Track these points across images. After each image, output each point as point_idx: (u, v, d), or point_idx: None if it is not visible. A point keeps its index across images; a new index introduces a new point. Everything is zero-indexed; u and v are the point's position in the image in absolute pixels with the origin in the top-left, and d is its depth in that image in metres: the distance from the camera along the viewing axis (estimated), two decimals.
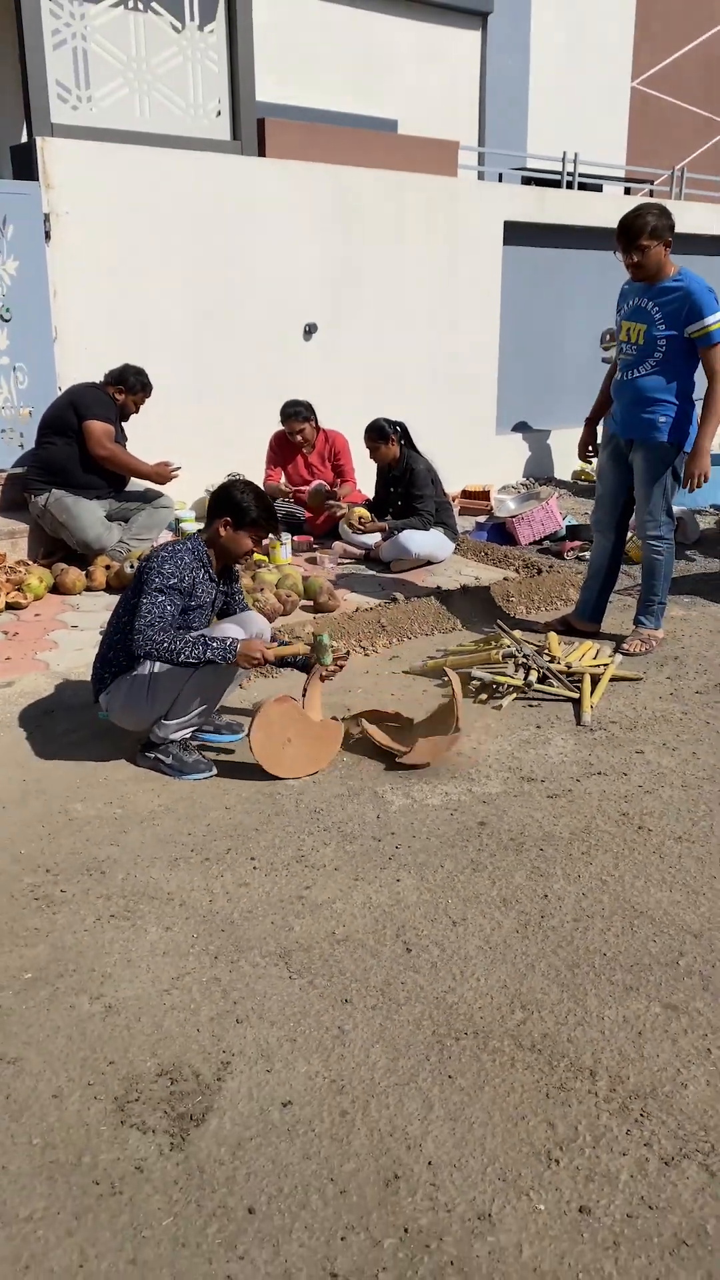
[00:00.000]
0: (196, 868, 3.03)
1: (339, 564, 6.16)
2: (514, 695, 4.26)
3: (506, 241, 8.44)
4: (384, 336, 7.81)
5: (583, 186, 10.10)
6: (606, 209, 9.09)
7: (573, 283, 9.17)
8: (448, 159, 8.22)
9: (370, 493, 6.71)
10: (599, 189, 11.46)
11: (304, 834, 3.22)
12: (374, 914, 2.79)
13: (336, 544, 6.42)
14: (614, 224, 8.61)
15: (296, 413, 6.54)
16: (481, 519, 7.30)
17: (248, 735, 3.54)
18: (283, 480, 6.69)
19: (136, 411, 6.00)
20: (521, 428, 9.20)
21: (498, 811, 3.35)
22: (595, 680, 4.34)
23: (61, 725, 4.04)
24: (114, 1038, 2.32)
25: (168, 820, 3.32)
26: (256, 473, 7.03)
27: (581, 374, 9.42)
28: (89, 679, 4.31)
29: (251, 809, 3.39)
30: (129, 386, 5.88)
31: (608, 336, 9.59)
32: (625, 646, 4.85)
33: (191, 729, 3.69)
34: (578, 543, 6.66)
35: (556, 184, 9.50)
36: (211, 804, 3.43)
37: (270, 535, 3.84)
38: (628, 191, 11.31)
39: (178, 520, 6.47)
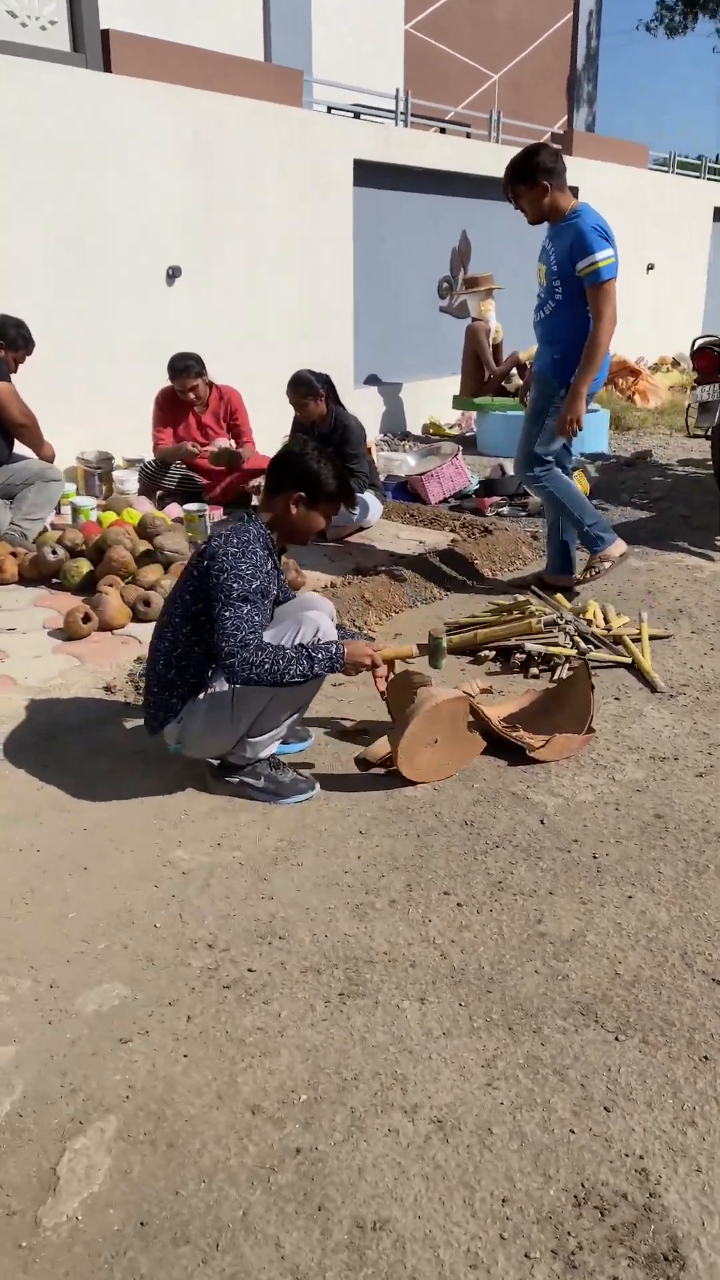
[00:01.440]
0: (389, 914, 2.49)
1: None
2: (567, 666, 3.92)
3: (356, 182, 7.96)
4: (252, 281, 7.15)
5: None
6: (440, 151, 8.80)
7: (412, 229, 8.83)
8: (294, 89, 7.60)
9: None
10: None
11: (477, 854, 2.74)
12: (639, 941, 2.38)
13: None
14: (450, 166, 8.35)
15: (188, 367, 5.81)
16: (380, 478, 6.86)
17: (392, 733, 3.00)
18: (192, 444, 5.92)
19: (15, 371, 5.08)
20: (374, 381, 8.81)
21: (661, 800, 3.02)
22: (633, 643, 4.08)
23: (76, 751, 3.29)
24: (479, 1165, 1.80)
25: (306, 857, 2.73)
26: (131, 435, 6.24)
27: (424, 325, 9.15)
28: (62, 693, 3.58)
29: (391, 830, 2.86)
30: (9, 341, 4.96)
31: (444, 285, 9.36)
32: (587, 575, 4.69)
33: (276, 743, 3.08)
34: (496, 497, 6.38)
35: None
36: (340, 831, 2.86)
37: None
38: (469, 136, 11.02)
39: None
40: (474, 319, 8.34)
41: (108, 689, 3.75)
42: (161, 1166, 1.80)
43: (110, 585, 4.40)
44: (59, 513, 5.66)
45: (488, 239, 9.59)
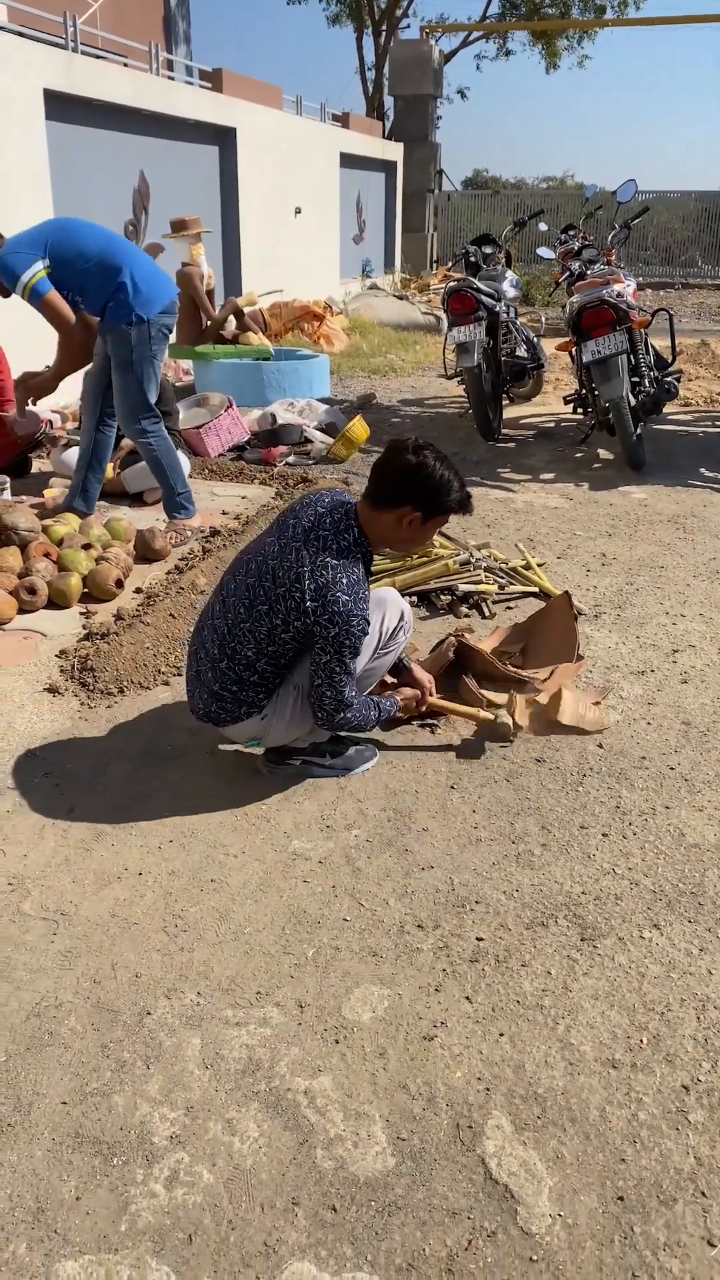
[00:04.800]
0: (551, 857, 2.52)
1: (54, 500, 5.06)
2: (491, 601, 4.08)
3: (48, 115, 7.31)
4: None
5: None
6: (124, 85, 8.30)
7: (99, 168, 8.28)
8: None
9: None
10: None
11: (573, 787, 2.84)
12: None
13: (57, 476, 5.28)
14: (127, 101, 7.94)
15: None
16: None
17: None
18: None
19: None
20: None
21: (674, 709, 3.28)
22: (525, 571, 4.33)
23: (81, 767, 2.94)
24: None
25: (425, 820, 2.67)
26: None
27: None
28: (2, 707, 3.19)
29: (476, 779, 2.87)
30: None
31: (130, 228, 8.93)
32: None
33: None
34: (282, 448, 6.31)
35: None
36: (430, 789, 2.82)
37: None
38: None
39: None
40: (185, 264, 8.04)
41: (52, 690, 3.33)
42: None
43: None
44: None
45: (163, 181, 9.24)
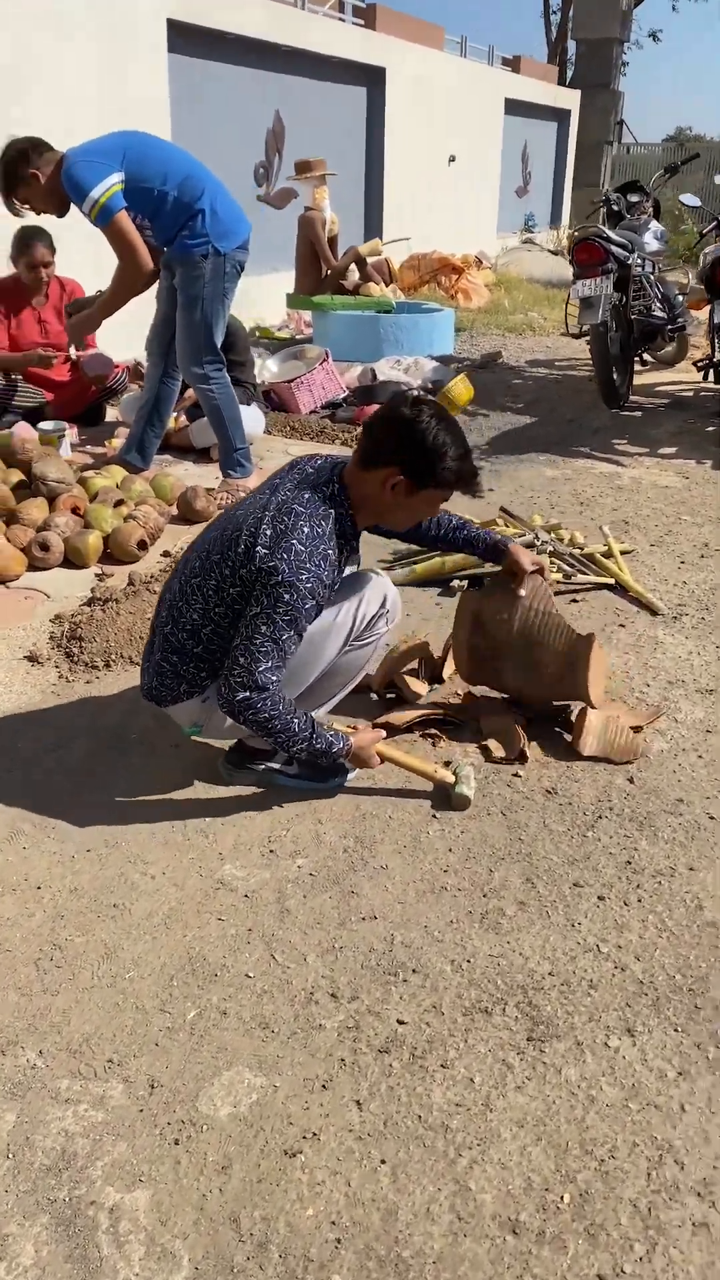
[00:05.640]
0: (526, 921, 2.04)
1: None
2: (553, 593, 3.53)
3: (171, 47, 6.99)
4: None
5: None
6: (259, 17, 7.90)
7: (229, 105, 7.94)
8: None
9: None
10: None
11: (583, 830, 2.33)
12: None
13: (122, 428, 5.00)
14: (265, 35, 7.54)
15: (39, 236, 4.79)
16: None
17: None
18: (45, 349, 4.96)
19: None
20: None
21: None
22: (606, 560, 3.75)
23: (27, 747, 2.63)
24: None
25: (387, 857, 2.23)
26: None
27: (249, 214, 8.31)
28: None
29: (467, 809, 2.40)
30: None
31: (261, 170, 8.56)
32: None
33: None
34: (376, 406, 5.84)
35: None
36: (409, 816, 2.37)
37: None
38: None
39: None
40: (308, 208, 7.64)
41: (32, 659, 3.03)
42: None
43: None
44: None
45: (301, 122, 8.82)
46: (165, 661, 2.31)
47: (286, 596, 2.10)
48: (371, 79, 9.85)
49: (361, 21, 10.11)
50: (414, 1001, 1.84)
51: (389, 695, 2.83)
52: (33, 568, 3.55)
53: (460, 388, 5.73)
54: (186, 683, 2.32)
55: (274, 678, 2.13)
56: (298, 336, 8.29)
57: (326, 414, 5.93)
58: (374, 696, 2.84)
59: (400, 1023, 1.79)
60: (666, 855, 2.24)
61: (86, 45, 6.19)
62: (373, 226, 10.26)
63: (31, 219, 4.16)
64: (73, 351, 5.04)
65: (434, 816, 2.37)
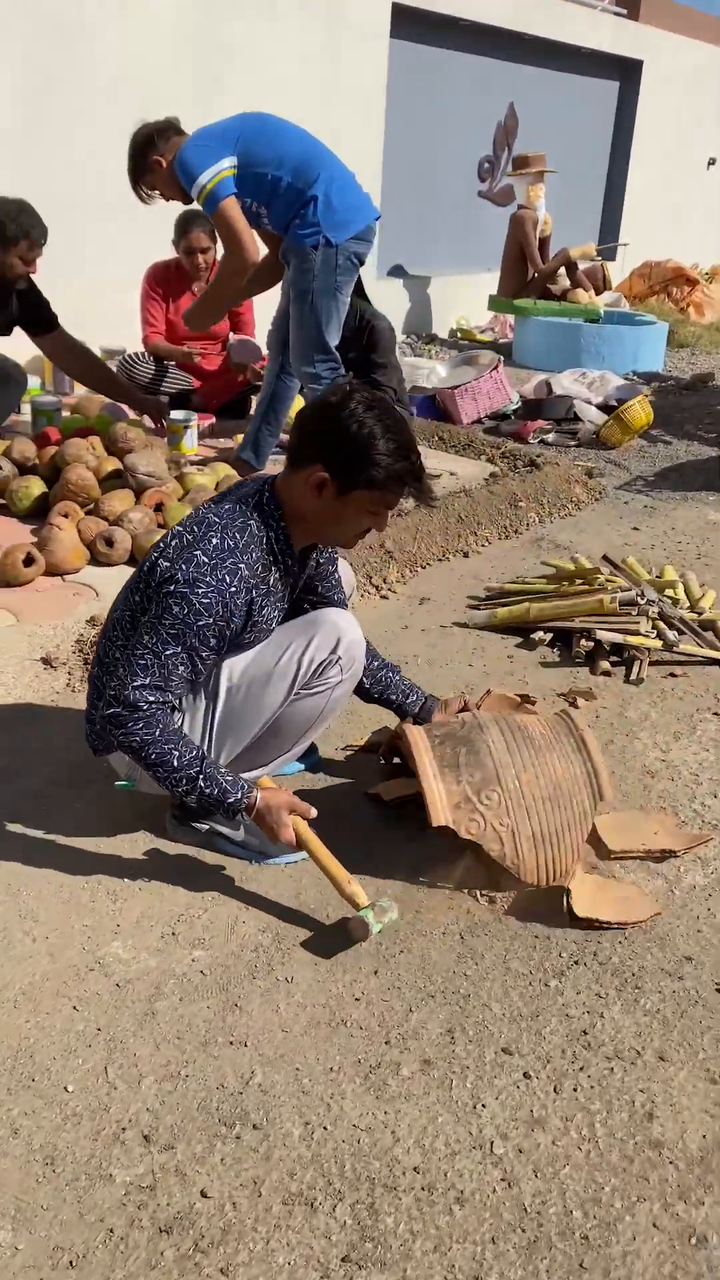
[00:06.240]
0: (420, 1088, 1.64)
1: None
2: (647, 661, 3.03)
3: (393, 33, 6.74)
4: None
5: None
6: (500, 4, 7.52)
7: (456, 95, 7.60)
8: None
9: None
10: None
11: (548, 976, 1.90)
12: None
13: None
14: (505, 23, 7.11)
15: (202, 222, 4.67)
16: None
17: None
18: (193, 347, 4.88)
19: (30, 269, 3.99)
20: (399, 273, 7.70)
21: None
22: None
23: (15, 794, 2.42)
24: None
25: (298, 967, 1.88)
26: (108, 319, 5.14)
27: (463, 210, 7.99)
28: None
29: (424, 921, 2.01)
30: (6, 237, 3.86)
31: (485, 166, 8.17)
32: None
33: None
34: (541, 422, 5.39)
35: None
36: (366, 959, 2.01)
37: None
38: None
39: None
40: (520, 206, 7.21)
41: (46, 661, 2.86)
42: None
43: (65, 515, 3.46)
44: (19, 412, 4.69)
45: (537, 115, 8.35)
46: (93, 708, 2.07)
47: (175, 609, 1.82)
48: (626, 72, 9.24)
49: (623, 11, 9.48)
50: (235, 1168, 1.50)
51: (395, 761, 2.47)
52: (95, 562, 3.40)
53: (637, 409, 5.18)
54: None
55: (150, 697, 1.83)
56: (500, 341, 7.90)
57: (492, 425, 5.53)
58: (382, 761, 2.48)
59: (204, 1195, 1.46)
60: (637, 1033, 1.77)
61: (301, 27, 6.03)
62: (610, 230, 9.66)
63: (163, 206, 4.01)
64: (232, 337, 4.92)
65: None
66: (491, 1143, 1.56)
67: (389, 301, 7.39)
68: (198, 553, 1.84)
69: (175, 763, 1.84)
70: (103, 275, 5.30)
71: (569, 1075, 1.68)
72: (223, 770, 1.90)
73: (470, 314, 8.10)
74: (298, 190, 3.59)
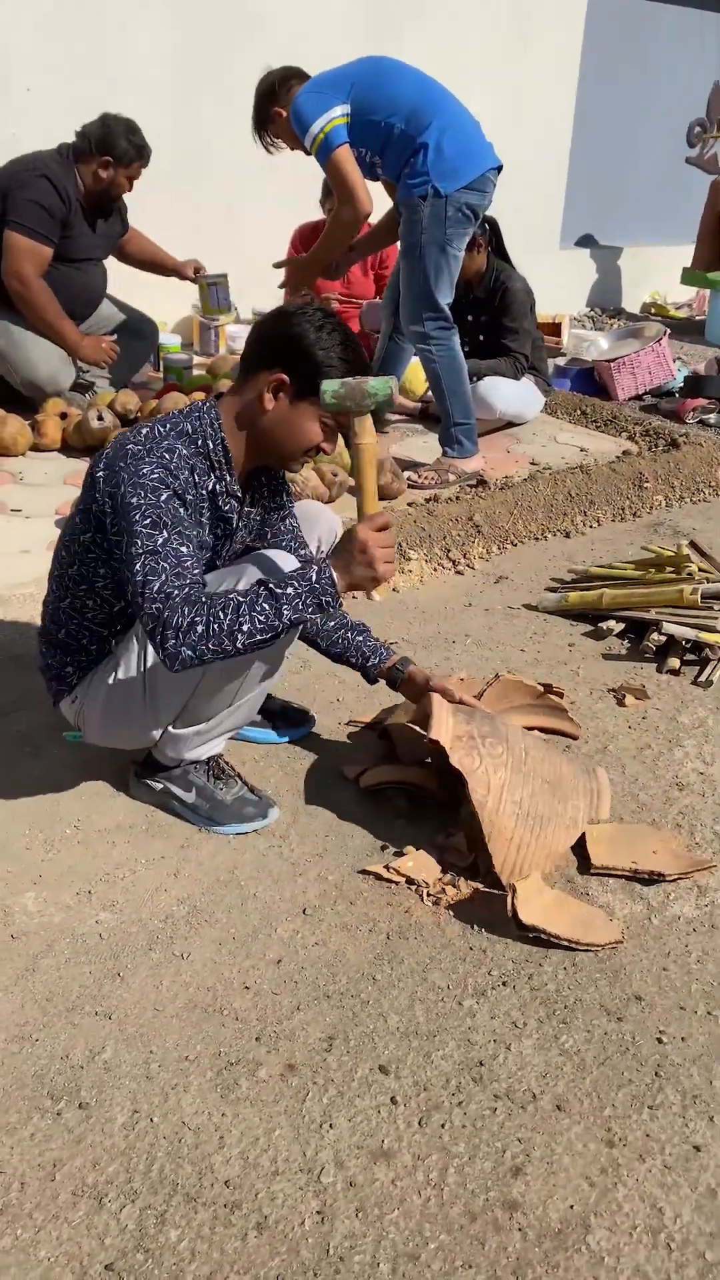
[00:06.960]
0: (271, 1096, 1.48)
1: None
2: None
3: None
4: None
5: None
6: None
7: (661, 54, 7.08)
8: None
9: None
10: None
11: (467, 992, 1.68)
12: (686, 1258, 1.28)
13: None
14: None
15: None
16: (560, 361, 5.53)
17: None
18: (332, 296, 4.80)
19: (129, 189, 4.06)
20: (587, 242, 7.30)
21: None
22: None
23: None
24: None
25: (200, 944, 1.75)
26: (258, 284, 5.09)
27: (664, 176, 7.47)
28: (19, 609, 2.71)
29: (354, 913, 1.83)
30: (119, 155, 3.90)
31: (697, 129, 7.60)
32: (422, 478, 3.76)
33: (224, 739, 2.08)
34: (702, 400, 4.94)
35: None
36: (278, 899, 1.86)
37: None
38: None
39: (159, 352, 4.71)
40: None
41: None
42: None
43: None
44: (157, 368, 4.77)
45: None
46: (39, 655, 2.02)
47: (134, 499, 1.71)
48: None
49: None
50: (41, 1146, 1.40)
51: (385, 740, 2.28)
52: None
53: None
54: (56, 679, 2.01)
55: (174, 585, 1.66)
56: (697, 318, 7.36)
57: (652, 402, 5.13)
58: (379, 738, 2.31)
59: None
60: (543, 1073, 1.53)
61: None
62: None
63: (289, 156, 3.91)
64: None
65: (305, 912, 1.84)
66: (323, 1169, 1.38)
67: (570, 271, 7.03)
68: (127, 448, 1.77)
69: (237, 603, 1.64)
70: (252, 231, 5.27)
71: (442, 1108, 1.47)
72: (286, 576, 1.71)
73: (666, 288, 7.58)
74: (409, 137, 3.41)
